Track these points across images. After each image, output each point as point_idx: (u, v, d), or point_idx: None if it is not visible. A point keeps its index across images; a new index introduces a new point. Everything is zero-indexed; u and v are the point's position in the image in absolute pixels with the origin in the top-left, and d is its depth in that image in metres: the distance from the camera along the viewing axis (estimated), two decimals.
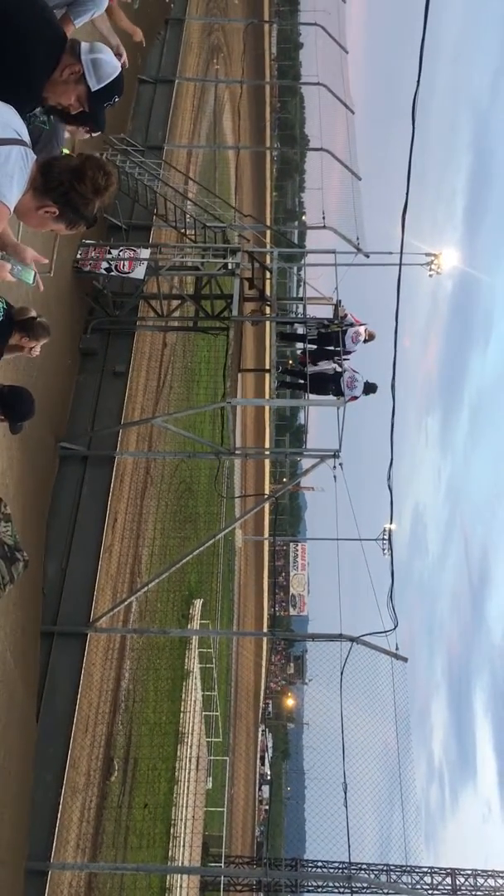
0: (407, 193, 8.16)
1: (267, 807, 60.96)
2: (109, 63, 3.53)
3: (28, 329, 5.16)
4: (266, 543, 49.43)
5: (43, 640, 11.08)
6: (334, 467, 13.03)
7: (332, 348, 13.90)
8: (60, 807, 10.46)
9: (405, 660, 12.10)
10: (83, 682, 11.29)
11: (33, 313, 5.11)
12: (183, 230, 15.05)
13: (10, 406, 5.57)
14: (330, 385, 13.51)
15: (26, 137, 3.20)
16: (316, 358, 14.08)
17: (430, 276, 24.16)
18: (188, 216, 14.86)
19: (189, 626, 22.69)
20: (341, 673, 11.82)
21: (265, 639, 44.26)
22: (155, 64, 18.13)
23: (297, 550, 64.29)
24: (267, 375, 14.53)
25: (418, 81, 7.91)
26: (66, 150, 4.76)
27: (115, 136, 14.50)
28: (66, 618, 11.33)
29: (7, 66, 3.25)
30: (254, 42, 30.39)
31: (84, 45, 3.50)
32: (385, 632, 11.89)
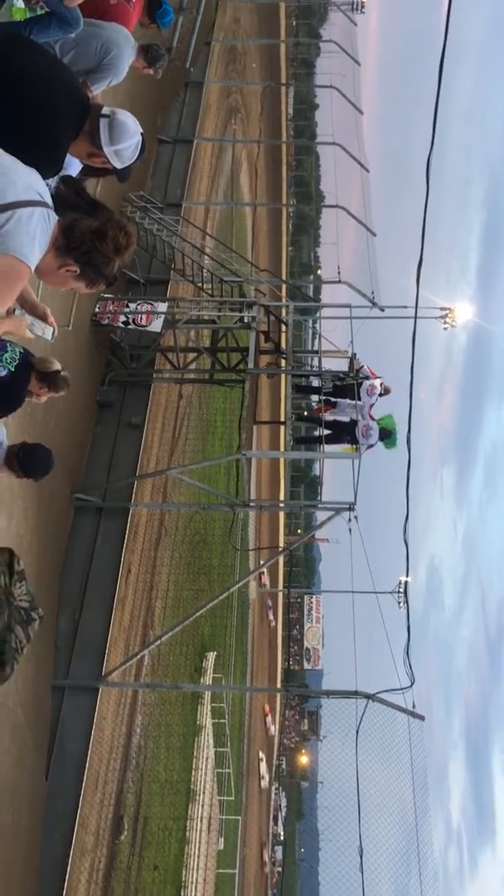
0: (422, 250, 8.27)
1: (280, 869, 59.23)
2: (130, 147, 3.62)
3: (51, 382, 5.20)
4: (280, 596, 48.94)
5: (54, 694, 10.94)
6: (349, 520, 12.95)
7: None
8: (69, 868, 10.20)
9: (422, 718, 11.84)
10: (94, 737, 11.11)
11: (57, 366, 5.16)
12: (200, 284, 15.28)
13: (28, 466, 5.61)
14: (345, 435, 13.53)
15: (48, 199, 3.27)
16: (335, 396, 14.12)
17: (445, 329, 24.32)
18: (205, 271, 15.11)
19: (202, 680, 22.37)
20: (357, 731, 11.57)
21: (279, 694, 43.51)
22: (174, 124, 18.64)
23: (312, 603, 63.61)
24: (282, 427, 14.58)
25: (432, 143, 8.09)
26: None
27: (134, 194, 14.85)
28: (77, 671, 11.20)
29: (31, 132, 3.34)
30: (271, 103, 31.25)
31: (104, 135, 3.58)
32: (402, 689, 11.66)
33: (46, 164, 3.31)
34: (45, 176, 3.36)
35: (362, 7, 42.22)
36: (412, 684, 11.81)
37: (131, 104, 13.63)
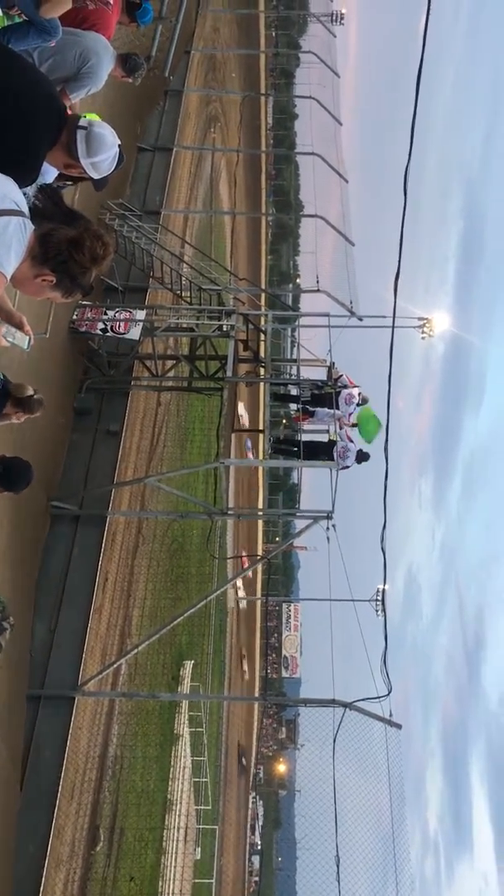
0: (399, 262, 8.33)
1: (257, 878, 59.00)
2: (107, 160, 3.63)
3: (25, 406, 5.24)
4: (258, 604, 48.91)
5: (29, 703, 10.84)
6: (327, 528, 12.98)
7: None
8: (43, 879, 10.09)
9: (399, 727, 11.86)
10: (69, 747, 11.02)
11: (31, 391, 5.20)
12: (179, 292, 15.28)
13: (7, 482, 5.63)
14: (322, 455, 13.59)
15: (25, 208, 3.27)
16: (313, 404, 14.17)
17: (423, 338, 24.49)
18: (184, 279, 15.11)
19: (179, 689, 22.27)
20: (334, 740, 11.57)
21: (257, 703, 43.45)
22: (154, 132, 18.65)
23: (290, 611, 63.55)
24: (261, 436, 14.60)
25: (409, 156, 8.16)
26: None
27: (113, 201, 14.82)
28: (53, 681, 11.11)
29: (8, 141, 3.33)
30: (250, 113, 31.38)
31: (81, 147, 3.58)
32: (379, 697, 11.69)
33: (23, 173, 3.31)
34: (21, 185, 3.36)
35: (342, 19, 42.64)
36: (389, 693, 11.84)
37: (110, 112, 13.63)
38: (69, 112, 3.78)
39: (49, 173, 3.88)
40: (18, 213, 3.18)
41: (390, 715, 12.16)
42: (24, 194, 3.67)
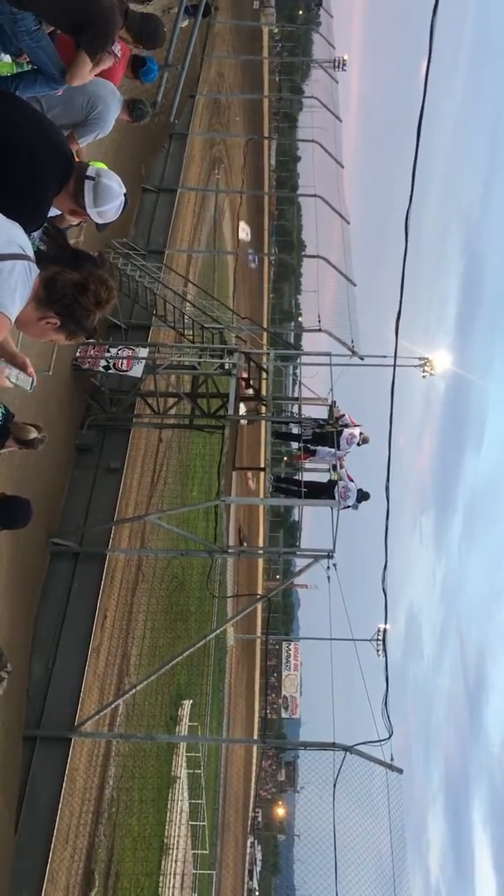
0: (400, 303, 8.42)
1: None
2: (113, 209, 3.70)
3: (28, 446, 5.28)
4: (258, 643, 48.48)
5: (25, 744, 10.69)
6: (328, 568, 12.93)
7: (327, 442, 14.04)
8: None
9: (400, 771, 11.68)
10: (65, 789, 10.84)
11: (33, 434, 5.23)
12: (181, 330, 15.40)
13: (6, 521, 5.63)
14: (323, 495, 13.59)
15: (30, 252, 3.32)
16: (315, 443, 14.20)
17: (424, 377, 24.62)
18: (186, 317, 15.24)
19: (177, 729, 21.96)
20: (334, 784, 11.38)
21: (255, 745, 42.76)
22: (158, 174, 18.96)
23: (290, 650, 62.96)
24: (262, 474, 14.60)
25: (411, 199, 8.28)
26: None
27: (117, 240, 15.01)
28: (50, 721, 10.97)
29: (15, 186, 3.39)
30: (254, 155, 31.90)
31: (88, 196, 3.65)
32: (380, 741, 11.52)
33: (30, 218, 3.36)
34: (27, 229, 3.41)
35: (343, 65, 43.50)
36: (390, 736, 11.69)
37: (115, 154, 13.87)
38: (76, 158, 3.85)
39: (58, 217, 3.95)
40: (24, 257, 3.23)
41: (391, 759, 11.98)
42: (31, 237, 3.73)
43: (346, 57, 44.80)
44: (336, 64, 42.91)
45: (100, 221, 3.75)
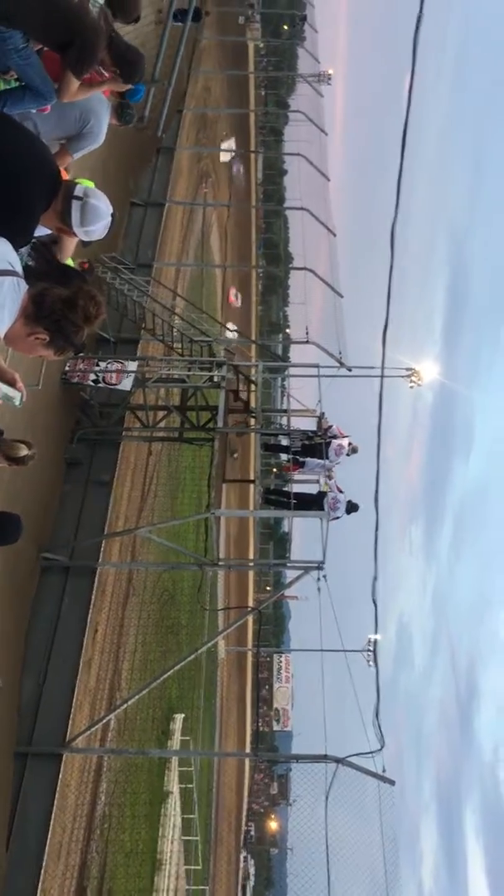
0: (387, 315, 8.48)
1: None
2: (100, 229, 3.74)
3: (18, 463, 5.28)
4: (249, 655, 48.34)
5: (16, 760, 10.63)
6: (318, 579, 12.94)
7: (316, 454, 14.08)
8: None
9: (392, 783, 11.67)
10: (57, 806, 10.77)
11: (24, 451, 5.24)
12: (170, 344, 15.43)
13: None
14: (313, 506, 13.62)
15: (19, 269, 3.34)
16: (304, 454, 14.23)
17: (412, 387, 24.72)
18: (175, 330, 15.28)
19: (169, 744, 21.85)
20: (326, 797, 11.35)
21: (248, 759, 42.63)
22: (146, 188, 19.03)
23: (281, 662, 62.79)
24: (251, 486, 14.61)
25: (396, 212, 8.37)
26: (70, 261, 4.94)
27: (105, 255, 15.05)
28: (41, 737, 10.90)
29: (3, 203, 3.41)
30: (240, 169, 32.07)
31: (75, 216, 3.69)
32: (371, 753, 11.52)
33: (17, 235, 3.39)
34: (15, 246, 3.43)
35: (329, 79, 43.84)
36: (382, 747, 11.68)
37: (104, 168, 13.92)
38: (64, 175, 3.88)
39: (45, 233, 3.97)
40: (12, 273, 3.25)
41: (383, 770, 11.98)
42: (18, 253, 3.75)
43: (330, 71, 45.15)
44: (321, 78, 43.23)
45: (86, 240, 3.79)
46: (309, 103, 38.91)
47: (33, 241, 3.74)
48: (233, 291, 31.19)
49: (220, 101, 31.05)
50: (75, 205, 3.66)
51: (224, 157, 23.50)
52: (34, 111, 5.20)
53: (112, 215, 3.78)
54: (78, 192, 3.69)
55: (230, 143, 23.59)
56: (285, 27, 45.48)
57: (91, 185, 3.78)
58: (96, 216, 3.71)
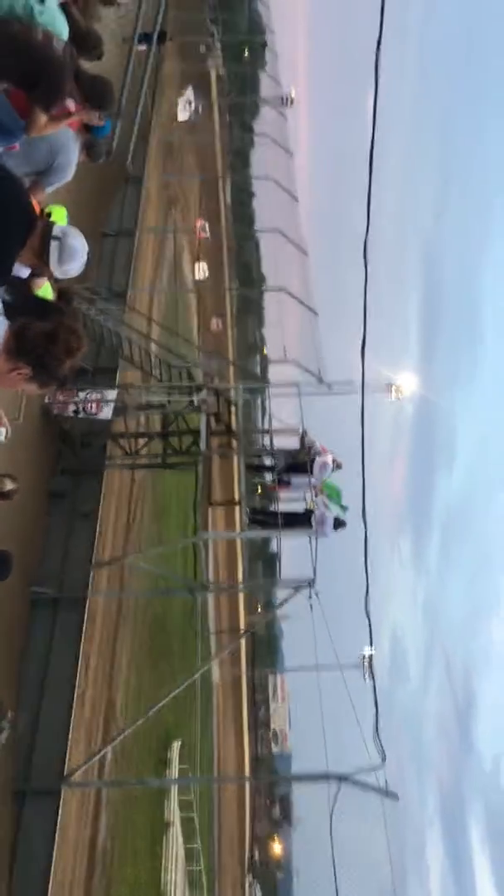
0: (364, 332, 8.57)
1: None
2: (76, 267, 3.80)
3: (3, 498, 5.31)
4: (244, 677, 48.04)
5: (14, 799, 10.49)
6: (310, 597, 12.94)
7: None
8: None
9: (396, 798, 11.62)
10: (58, 842, 10.62)
11: (8, 486, 5.27)
12: (149, 370, 15.46)
13: None
14: (300, 524, 13.64)
15: None
16: (288, 473, 14.25)
17: (392, 401, 24.85)
18: (153, 356, 15.32)
19: (167, 772, 21.63)
20: (331, 816, 11.28)
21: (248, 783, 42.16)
22: (116, 218, 19.14)
23: (277, 682, 62.35)
24: (237, 507, 14.61)
25: (367, 228, 8.48)
26: (48, 293, 4.97)
27: (80, 286, 15.09)
28: (39, 773, 10.77)
29: None
30: (209, 193, 32.35)
31: (53, 255, 3.75)
32: (373, 768, 11.46)
33: None
34: None
35: (291, 101, 44.41)
36: (383, 762, 11.63)
37: (74, 200, 13.98)
38: (37, 207, 3.92)
39: (22, 270, 4.02)
40: None
41: (386, 784, 11.91)
42: None
43: (293, 94, 45.78)
44: (284, 100, 43.80)
45: (62, 278, 3.84)
46: (273, 126, 39.42)
47: (12, 278, 3.77)
48: (214, 321, 31.21)
49: (185, 128, 31.33)
50: (53, 245, 3.71)
51: (182, 114, 22.59)
52: (1, 149, 5.25)
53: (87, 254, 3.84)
54: (56, 232, 3.73)
55: (188, 94, 22.80)
56: (245, 53, 46.10)
57: (63, 211, 3.83)
58: (73, 255, 3.77)
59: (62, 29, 4.87)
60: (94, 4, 5.81)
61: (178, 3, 27.44)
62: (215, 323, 28.96)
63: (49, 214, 4.96)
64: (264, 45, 45.43)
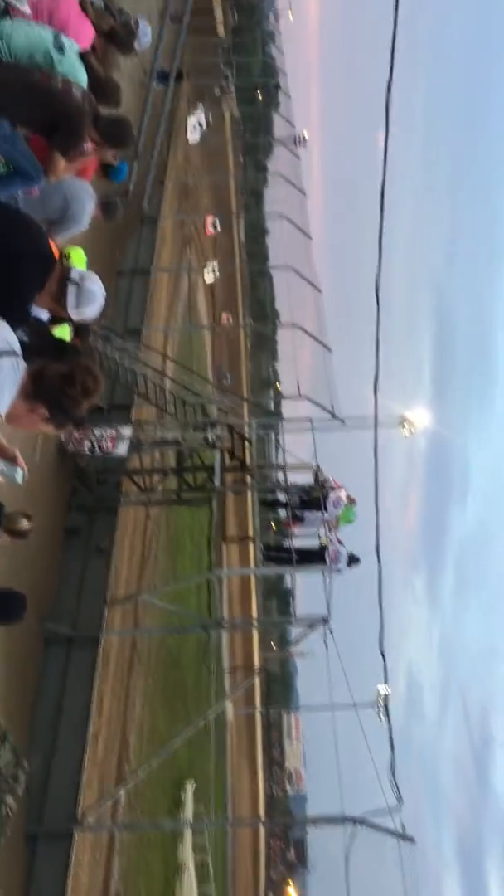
0: (377, 369, 8.60)
1: None
2: (93, 310, 3.86)
3: (19, 536, 5.32)
4: (258, 716, 47.46)
5: (27, 842, 10.33)
6: (325, 635, 12.83)
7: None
8: None
9: (412, 841, 11.37)
10: (71, 887, 10.43)
11: (25, 525, 5.28)
12: (163, 407, 15.55)
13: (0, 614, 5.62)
14: (315, 561, 13.60)
15: (17, 348, 3.41)
16: (302, 508, 14.23)
17: (405, 436, 24.84)
18: (167, 393, 15.41)
19: (181, 813, 21.30)
20: (346, 860, 11.04)
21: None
22: (132, 257, 19.40)
23: (291, 721, 61.56)
24: (251, 543, 14.57)
25: (379, 267, 8.56)
26: (65, 333, 5.04)
27: (95, 324, 15.24)
28: (51, 816, 10.61)
29: (1, 291, 3.50)
30: (223, 231, 32.75)
31: (71, 299, 3.80)
32: (389, 810, 11.24)
33: (15, 317, 3.47)
34: (13, 325, 3.51)
35: (304, 141, 45.18)
36: (399, 804, 11.41)
37: (91, 239, 14.21)
38: (56, 255, 3.99)
39: (42, 312, 4.08)
40: (11, 353, 3.32)
41: (402, 827, 11.67)
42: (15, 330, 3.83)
43: (306, 133, 46.59)
44: (297, 140, 44.57)
45: (79, 320, 3.89)
46: (287, 165, 40.03)
47: (31, 319, 3.82)
48: (224, 315, 30.56)
49: (200, 170, 31.89)
50: (71, 288, 3.77)
51: (192, 136, 22.15)
52: (20, 194, 5.36)
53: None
54: (74, 276, 3.79)
55: (199, 115, 22.42)
56: (259, 95, 47.02)
57: (80, 253, 3.89)
58: (91, 299, 3.82)
59: (81, 78, 4.99)
60: (112, 53, 5.96)
61: (192, 48, 28.08)
62: (225, 317, 28.86)
63: (67, 256, 5.05)
64: (277, 86, 46.36)
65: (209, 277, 23.26)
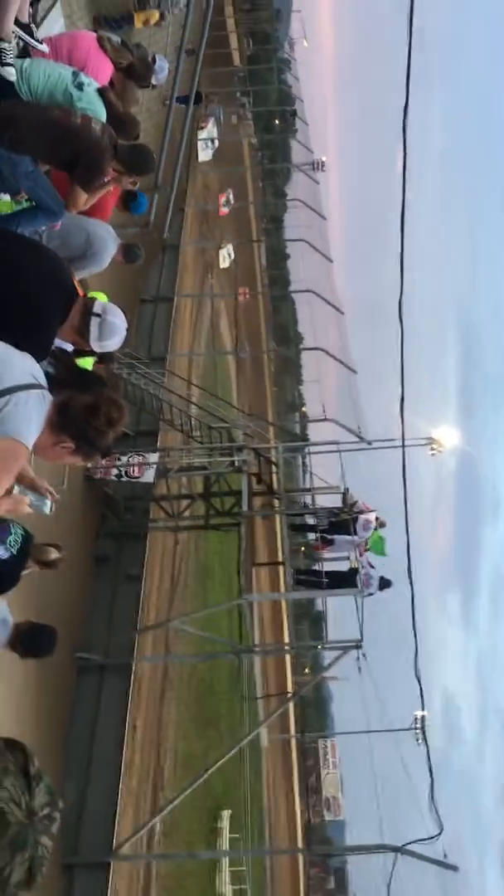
0: (402, 389, 8.57)
1: None
2: (115, 343, 3.91)
3: (48, 566, 5.35)
4: (293, 742, 46.97)
5: (63, 872, 10.28)
6: (358, 658, 12.70)
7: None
8: None
9: (455, 869, 11.13)
10: None
11: (54, 555, 5.30)
12: (189, 432, 15.61)
13: (32, 650, 5.62)
14: (345, 584, 13.49)
15: (42, 380, 3.44)
16: (331, 532, 14.14)
17: (433, 455, 24.69)
18: (193, 419, 15.48)
19: (218, 842, 21.08)
20: (388, 889, 10.83)
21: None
22: (154, 284, 19.61)
23: (327, 747, 60.70)
24: (281, 568, 14.50)
25: (402, 287, 8.56)
26: (88, 364, 5.10)
27: (120, 352, 15.39)
28: (87, 845, 10.56)
29: (23, 325, 3.55)
30: (245, 257, 33.01)
31: (94, 332, 3.85)
32: (430, 838, 11.03)
33: (37, 350, 3.51)
34: (37, 358, 3.55)
35: (322, 166, 45.55)
36: (441, 832, 11.19)
37: (112, 273, 14.39)
38: (79, 290, 4.04)
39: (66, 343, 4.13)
40: (38, 386, 3.35)
41: (444, 855, 11.43)
42: (39, 363, 3.87)
43: (324, 158, 46.98)
44: (315, 166, 44.96)
45: (101, 352, 3.93)
46: (306, 190, 40.34)
47: (55, 350, 3.87)
48: (241, 291, 30.20)
49: (220, 196, 32.26)
50: (94, 321, 3.81)
51: (203, 154, 22.34)
52: (43, 229, 5.46)
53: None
54: (97, 309, 3.83)
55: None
56: (277, 122, 47.54)
57: (104, 297, 3.94)
58: (113, 332, 3.86)
59: (101, 113, 5.09)
60: (131, 88, 6.06)
61: (209, 78, 28.49)
62: (242, 292, 28.64)
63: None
64: (294, 113, 46.82)
65: (225, 262, 22.95)
